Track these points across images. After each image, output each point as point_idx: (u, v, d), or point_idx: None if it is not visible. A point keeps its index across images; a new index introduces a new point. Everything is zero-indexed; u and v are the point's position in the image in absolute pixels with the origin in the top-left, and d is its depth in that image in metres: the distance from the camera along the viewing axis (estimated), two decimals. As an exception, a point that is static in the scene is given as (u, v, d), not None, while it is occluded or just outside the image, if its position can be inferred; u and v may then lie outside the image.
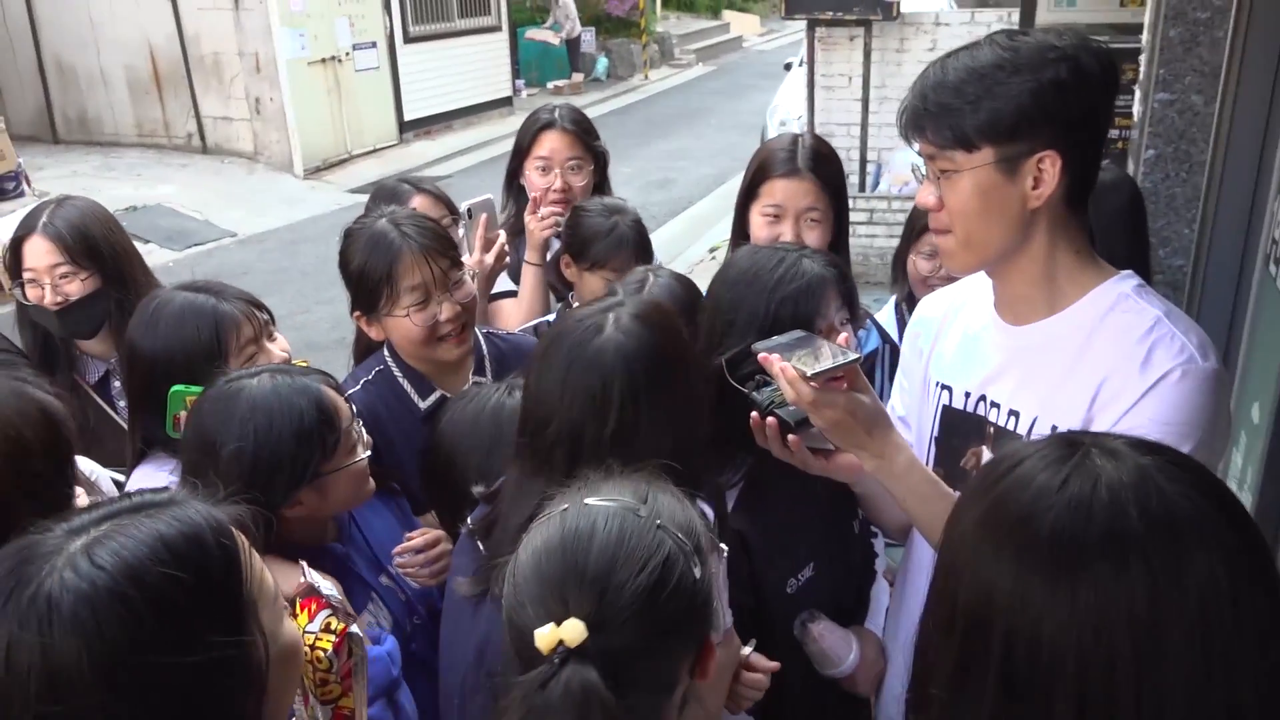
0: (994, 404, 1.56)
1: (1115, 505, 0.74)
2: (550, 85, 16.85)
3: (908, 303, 2.60)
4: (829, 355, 1.42)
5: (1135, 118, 3.68)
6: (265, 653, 0.94)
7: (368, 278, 1.95)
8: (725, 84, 18.21)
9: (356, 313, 2.03)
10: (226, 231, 9.80)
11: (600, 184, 2.72)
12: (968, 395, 1.60)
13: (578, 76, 17.33)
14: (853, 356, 1.41)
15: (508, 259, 2.52)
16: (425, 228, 2.00)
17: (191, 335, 1.77)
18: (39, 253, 2.17)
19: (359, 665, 1.10)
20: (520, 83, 16.23)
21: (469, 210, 2.53)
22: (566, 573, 0.98)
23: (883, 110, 7.37)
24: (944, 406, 1.64)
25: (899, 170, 7.29)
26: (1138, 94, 3.60)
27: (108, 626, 0.84)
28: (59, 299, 2.17)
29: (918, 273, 2.56)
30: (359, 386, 2.04)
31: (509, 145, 2.80)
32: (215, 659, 0.88)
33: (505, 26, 15.37)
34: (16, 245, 2.21)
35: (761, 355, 1.43)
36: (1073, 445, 0.80)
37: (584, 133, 2.68)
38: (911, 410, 1.76)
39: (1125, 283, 1.50)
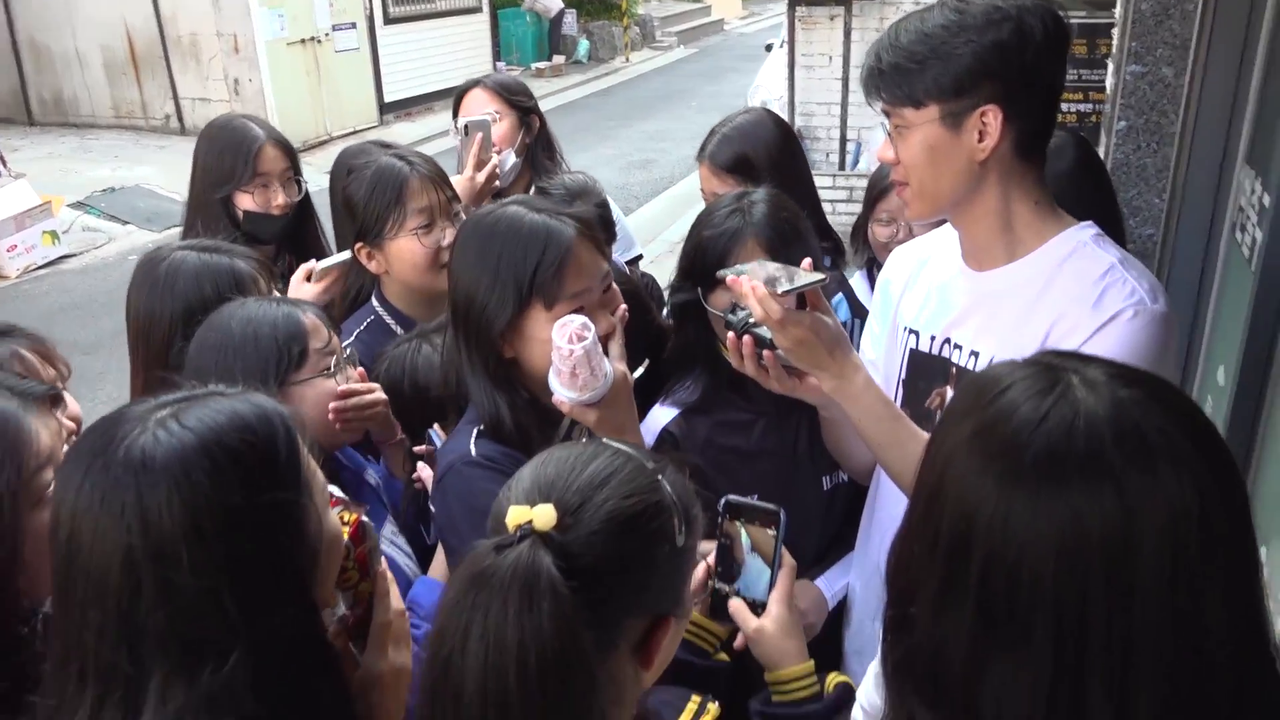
0: (957, 346, 1.62)
1: (1092, 432, 0.77)
2: (532, 67, 16.79)
3: (875, 267, 2.65)
4: (797, 278, 1.46)
5: (1108, 90, 3.73)
6: (319, 527, 1.02)
7: (375, 203, 2.04)
8: (706, 66, 18.19)
9: (359, 244, 2.09)
10: (206, 212, 9.75)
11: (539, 143, 2.75)
12: (933, 339, 1.66)
13: (559, 58, 17.27)
14: (818, 277, 1.46)
15: (499, 181, 2.54)
16: (427, 159, 2.11)
17: (211, 294, 1.79)
18: None
19: (373, 552, 1.15)
20: (501, 64, 16.15)
21: (465, 127, 2.53)
22: (559, 474, 1.02)
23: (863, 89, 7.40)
24: (911, 350, 1.70)
25: (879, 149, 7.34)
26: (1110, 67, 3.64)
27: (195, 474, 0.93)
28: None
29: (877, 240, 2.64)
30: (353, 338, 2.09)
31: (490, 126, 2.84)
32: (282, 513, 0.98)
33: (486, 8, 15.31)
34: None
35: (730, 278, 1.48)
36: (1055, 373, 0.83)
37: (511, 92, 2.73)
38: (880, 355, 1.81)
39: (1084, 232, 1.55)
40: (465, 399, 1.66)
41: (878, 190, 2.64)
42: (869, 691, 1.23)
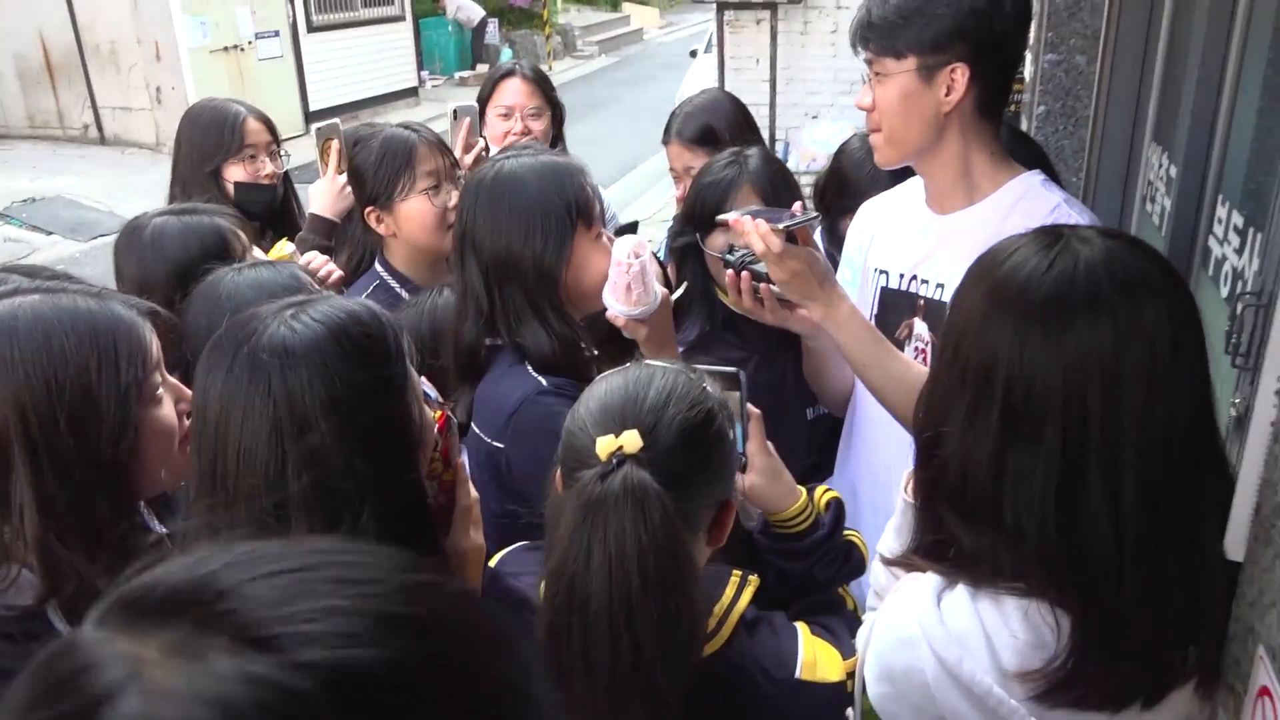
0: (924, 281, 1.84)
1: (1091, 275, 0.98)
2: (455, 76, 16.84)
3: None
4: (789, 217, 1.67)
5: (1027, 79, 4.05)
6: (420, 412, 1.17)
7: (386, 168, 2.18)
8: (628, 74, 18.46)
9: (368, 209, 2.23)
10: (133, 221, 9.60)
11: (557, 138, 2.92)
12: (901, 276, 1.88)
13: (482, 67, 17.34)
14: (812, 215, 1.67)
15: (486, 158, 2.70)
16: (429, 129, 2.27)
17: (198, 254, 1.85)
18: None
19: (454, 444, 1.29)
20: (425, 73, 16.18)
21: (455, 112, 2.67)
22: (627, 401, 1.16)
23: (789, 90, 7.72)
24: (881, 288, 1.92)
25: (806, 147, 7.64)
26: (1029, 57, 3.96)
27: (327, 357, 1.08)
28: None
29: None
30: None
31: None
32: (397, 391, 1.13)
33: (409, 16, 15.32)
34: None
35: (733, 219, 1.67)
36: (1054, 235, 1.04)
37: (543, 83, 2.89)
38: (853, 297, 2.03)
39: (1034, 177, 1.79)
40: (474, 358, 1.77)
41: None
42: (876, 575, 1.43)
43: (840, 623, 1.39)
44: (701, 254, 2.05)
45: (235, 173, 2.53)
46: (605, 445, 1.11)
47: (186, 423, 1.29)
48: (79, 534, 1.18)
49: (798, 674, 1.24)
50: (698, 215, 2.05)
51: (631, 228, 2.63)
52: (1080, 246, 1.00)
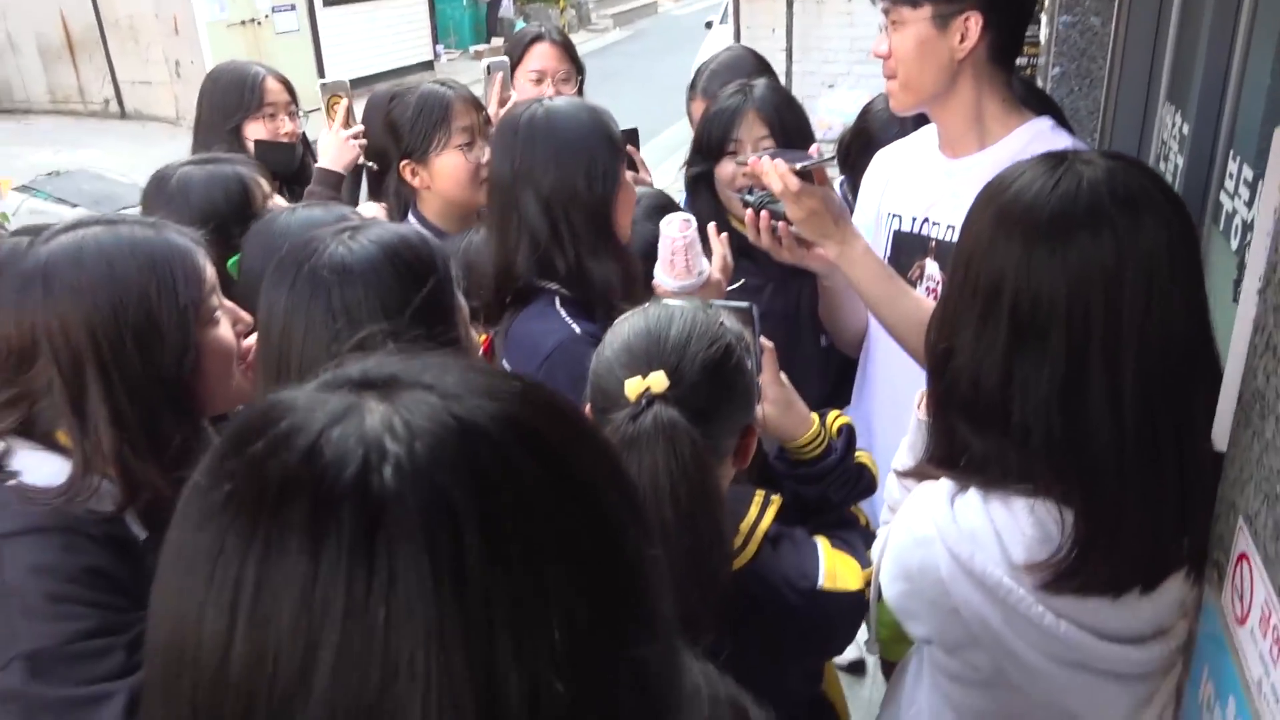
0: (935, 224, 1.91)
1: (1094, 193, 1.05)
2: (471, 50, 16.84)
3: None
4: (808, 157, 1.75)
5: (1042, 41, 4.08)
6: (467, 333, 1.28)
7: (424, 121, 2.25)
8: (642, 47, 18.39)
9: (404, 161, 2.29)
10: (156, 194, 9.71)
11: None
12: (914, 220, 1.96)
13: (497, 41, 17.33)
14: (829, 155, 1.74)
15: None
16: (464, 86, 2.35)
17: (222, 202, 1.92)
18: None
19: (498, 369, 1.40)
20: (440, 47, 16.19)
21: (488, 68, 2.75)
22: (650, 343, 1.22)
23: (805, 59, 7.73)
24: (895, 231, 1.99)
25: (822, 115, 7.66)
26: (1044, 19, 3.99)
27: (382, 274, 1.17)
28: None
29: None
30: None
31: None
32: (447, 306, 1.23)
33: (424, -10, 15.34)
34: None
35: (751, 160, 1.76)
36: (1058, 158, 1.11)
37: (570, 47, 2.96)
38: (868, 240, 2.10)
39: (1044, 122, 1.85)
40: (521, 294, 1.82)
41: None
42: (890, 491, 1.51)
43: (856, 536, 1.46)
44: (711, 185, 2.15)
45: (255, 130, 2.60)
46: (634, 386, 1.16)
47: (245, 343, 1.38)
48: (150, 447, 1.27)
49: (820, 584, 1.31)
50: (707, 144, 2.16)
51: (631, 135, 2.66)
52: (1083, 167, 1.07)
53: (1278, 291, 0.88)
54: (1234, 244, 2.12)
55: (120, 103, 12.05)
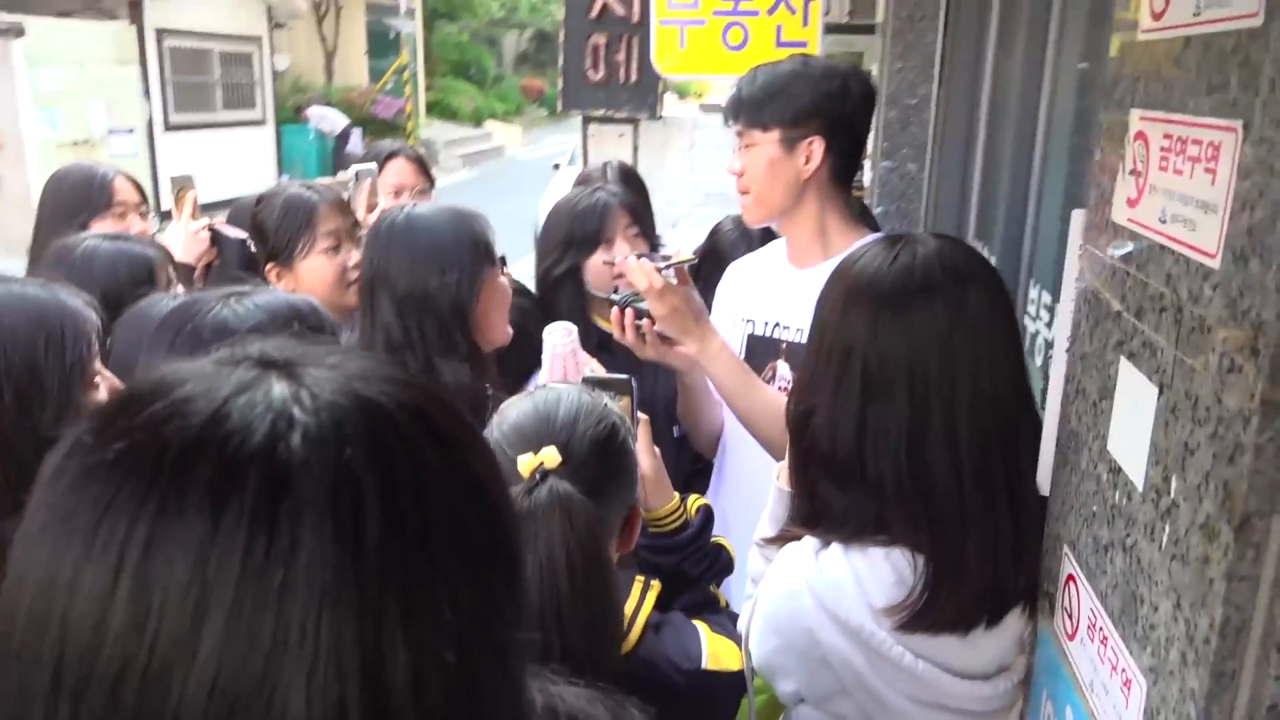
0: (785, 327, 2.08)
1: (926, 266, 1.20)
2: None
3: None
4: (673, 256, 1.88)
5: (866, 184, 4.51)
6: None
7: (288, 226, 2.24)
8: (491, 188, 18.81)
9: (269, 266, 2.29)
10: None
11: None
12: (766, 324, 2.12)
13: (344, 174, 17.40)
14: (689, 256, 1.88)
15: None
16: (330, 190, 2.36)
17: (126, 279, 1.89)
18: None
19: None
20: (285, 178, 16.12)
21: (356, 175, 2.81)
22: (539, 422, 1.27)
23: (652, 200, 8.14)
24: (749, 335, 2.14)
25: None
26: (867, 165, 4.42)
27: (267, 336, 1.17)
28: None
29: None
30: None
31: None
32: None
33: (270, 121, 15.36)
34: None
35: (618, 260, 1.89)
36: (896, 239, 1.26)
37: (424, 163, 3.08)
38: None
39: (879, 237, 2.07)
40: None
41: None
42: (754, 564, 1.59)
43: (725, 619, 1.53)
44: (577, 281, 2.29)
45: (104, 230, 2.56)
46: (527, 463, 1.19)
47: None
48: (14, 507, 1.22)
49: (704, 664, 1.36)
50: (580, 239, 2.29)
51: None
52: (917, 245, 1.24)
53: (1082, 344, 1.04)
54: (1038, 361, 2.38)
55: (-70, 218, 11.33)
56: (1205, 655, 0.72)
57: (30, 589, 0.51)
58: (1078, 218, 1.09)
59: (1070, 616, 1.02)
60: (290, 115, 17.52)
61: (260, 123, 15.15)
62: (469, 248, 1.86)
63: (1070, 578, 1.03)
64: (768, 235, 2.72)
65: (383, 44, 24.05)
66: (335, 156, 17.57)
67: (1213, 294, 0.73)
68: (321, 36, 21.16)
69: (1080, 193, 2.64)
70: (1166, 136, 0.84)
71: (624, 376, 1.58)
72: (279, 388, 0.53)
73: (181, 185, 2.66)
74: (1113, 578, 0.91)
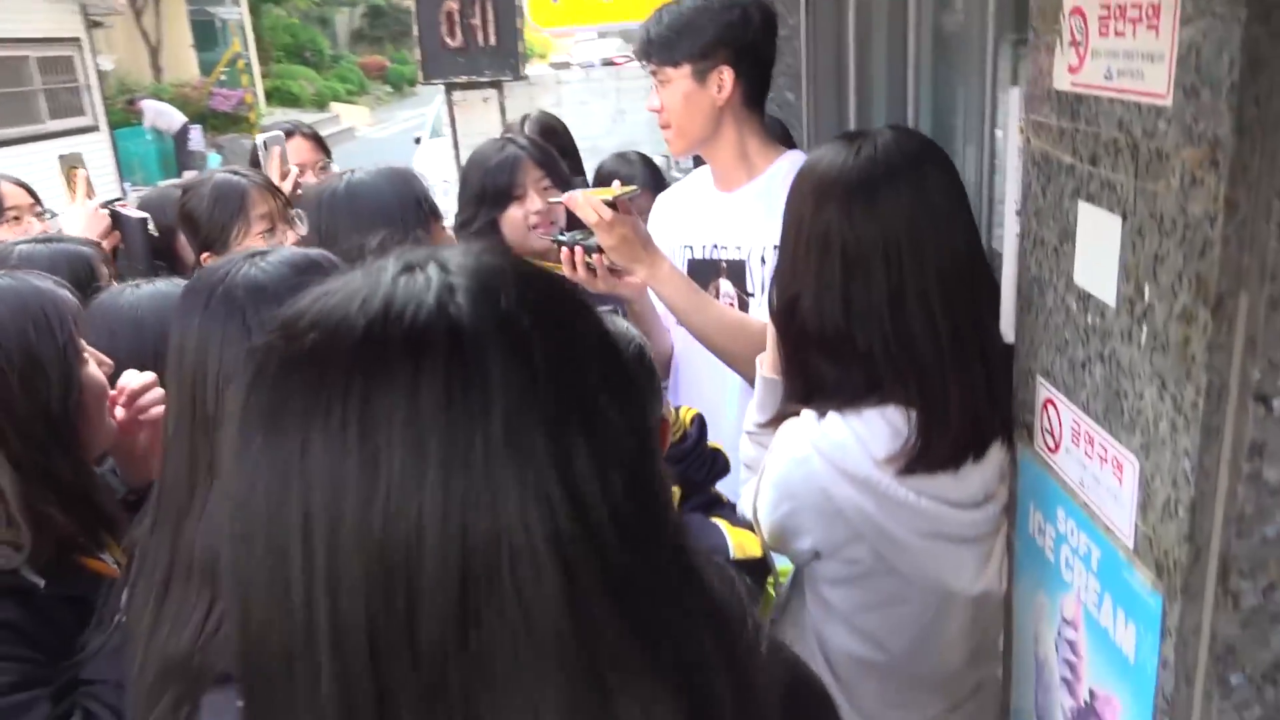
0: (722, 248, 2.22)
1: (889, 155, 1.35)
2: (159, 185, 16.08)
3: None
4: (617, 188, 1.99)
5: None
6: None
7: (220, 213, 2.20)
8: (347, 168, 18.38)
9: (204, 254, 2.25)
10: None
11: None
12: (704, 247, 2.25)
13: (190, 173, 16.67)
14: (632, 188, 1.99)
15: (300, 190, 2.73)
16: (259, 174, 2.33)
17: (67, 277, 1.84)
18: None
19: None
20: (128, 185, 15.32)
21: (264, 143, 2.75)
22: None
23: (524, 161, 8.15)
24: (689, 260, 2.28)
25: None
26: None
27: (295, 289, 1.21)
28: None
29: None
30: None
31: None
32: None
33: (104, 126, 14.55)
34: None
35: (565, 197, 1.98)
36: (855, 135, 1.41)
37: (320, 139, 3.09)
38: None
39: (797, 154, 2.23)
40: None
41: None
42: (745, 449, 1.71)
43: (731, 512, 1.68)
44: (496, 236, 2.37)
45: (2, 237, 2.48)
46: None
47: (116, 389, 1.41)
48: (47, 488, 1.27)
49: (731, 555, 1.50)
50: (493, 195, 2.40)
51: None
52: (876, 138, 1.39)
53: (1035, 201, 1.21)
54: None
55: None
56: (1195, 417, 0.89)
57: (262, 480, 0.58)
58: (1014, 94, 1.26)
59: (1052, 434, 1.20)
60: (123, 118, 16.64)
61: (93, 128, 14.32)
62: (412, 205, 1.92)
63: (1048, 401, 1.20)
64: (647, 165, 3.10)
65: (209, 35, 23.00)
66: (178, 156, 16.75)
67: (1167, 127, 0.90)
68: (143, 32, 20.10)
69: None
70: (1104, 6, 1.00)
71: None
72: (430, 268, 0.62)
73: (71, 164, 2.61)
74: (1093, 387, 1.09)
